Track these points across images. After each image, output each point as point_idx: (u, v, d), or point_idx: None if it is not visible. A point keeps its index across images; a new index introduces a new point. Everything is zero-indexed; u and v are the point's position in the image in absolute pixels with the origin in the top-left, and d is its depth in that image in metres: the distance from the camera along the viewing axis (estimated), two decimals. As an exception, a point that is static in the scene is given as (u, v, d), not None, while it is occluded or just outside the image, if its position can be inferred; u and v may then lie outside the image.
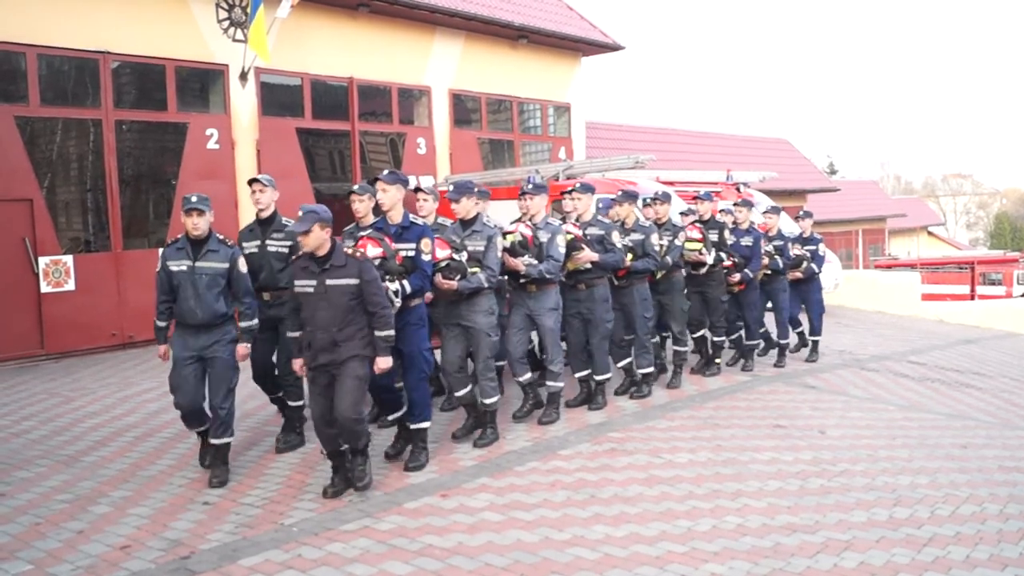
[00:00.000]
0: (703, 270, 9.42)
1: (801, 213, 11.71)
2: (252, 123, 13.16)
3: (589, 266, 7.69)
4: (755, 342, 10.28)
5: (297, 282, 5.57)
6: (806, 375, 10.07)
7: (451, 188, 6.74)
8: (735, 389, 9.02)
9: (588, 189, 8.17)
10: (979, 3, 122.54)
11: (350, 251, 5.50)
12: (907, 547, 4.96)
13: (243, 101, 13.04)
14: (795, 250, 10.81)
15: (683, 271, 9.18)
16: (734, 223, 10.16)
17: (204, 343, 5.94)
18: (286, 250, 6.68)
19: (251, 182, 6.83)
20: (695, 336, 9.79)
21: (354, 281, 5.44)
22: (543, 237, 7.21)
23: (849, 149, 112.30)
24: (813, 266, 10.93)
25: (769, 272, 10.39)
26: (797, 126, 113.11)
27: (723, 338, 9.83)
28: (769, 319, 10.80)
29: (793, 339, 11.22)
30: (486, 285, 6.63)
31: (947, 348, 14.09)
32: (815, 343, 11.18)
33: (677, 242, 8.93)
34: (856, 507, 5.59)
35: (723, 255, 9.61)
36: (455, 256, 6.49)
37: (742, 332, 10.31)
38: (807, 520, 5.32)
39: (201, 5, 12.55)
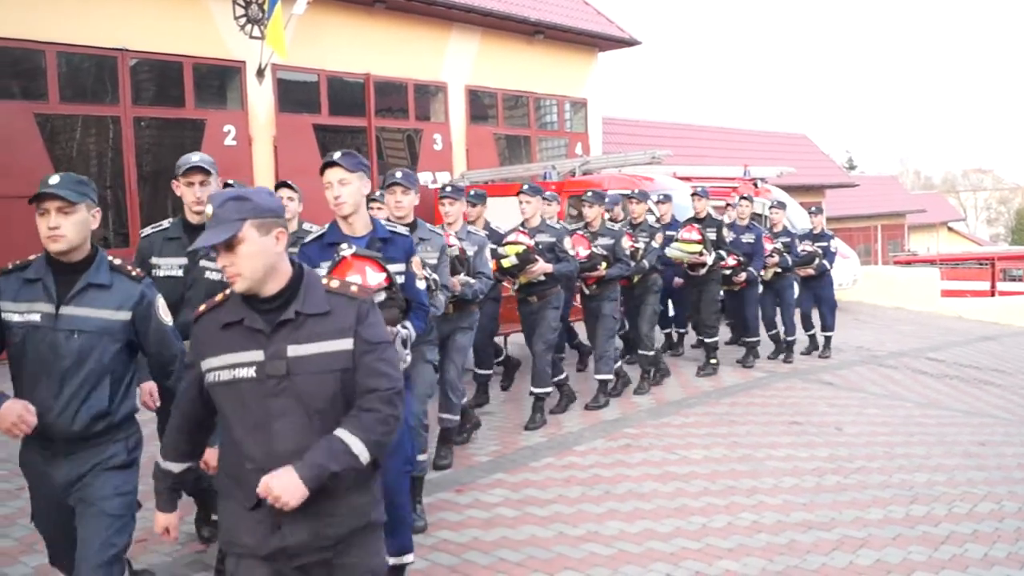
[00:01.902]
0: (703, 271, 9.10)
1: (813, 209, 11.57)
2: (269, 119, 13.20)
3: (543, 278, 7.03)
4: (755, 339, 10.11)
5: (215, 360, 2.69)
6: (823, 372, 10.03)
7: (400, 175, 5.03)
8: (751, 386, 8.99)
9: (536, 191, 7.32)
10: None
11: (336, 283, 2.78)
12: (924, 545, 4.94)
13: (260, 97, 13.08)
14: (806, 247, 10.67)
15: (658, 274, 8.68)
16: (735, 219, 9.97)
17: (72, 474, 3.24)
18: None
19: (192, 170, 4.36)
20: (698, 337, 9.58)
21: (346, 345, 2.68)
22: (469, 250, 5.99)
23: (868, 144, 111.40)
24: (825, 263, 10.76)
25: (780, 270, 10.23)
26: (816, 121, 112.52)
27: (716, 339, 9.52)
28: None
29: (804, 340, 11.11)
30: (442, 311, 5.13)
31: (966, 345, 13.99)
32: (828, 339, 11.05)
33: (654, 244, 8.44)
34: (872, 504, 5.57)
35: (723, 253, 9.31)
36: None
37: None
38: (823, 517, 5.30)
39: (218, 2, 12.59)
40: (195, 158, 4.41)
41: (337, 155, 3.99)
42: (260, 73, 12.96)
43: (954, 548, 4.92)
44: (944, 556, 4.80)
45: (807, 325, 11.07)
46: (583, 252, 7.33)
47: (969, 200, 71.83)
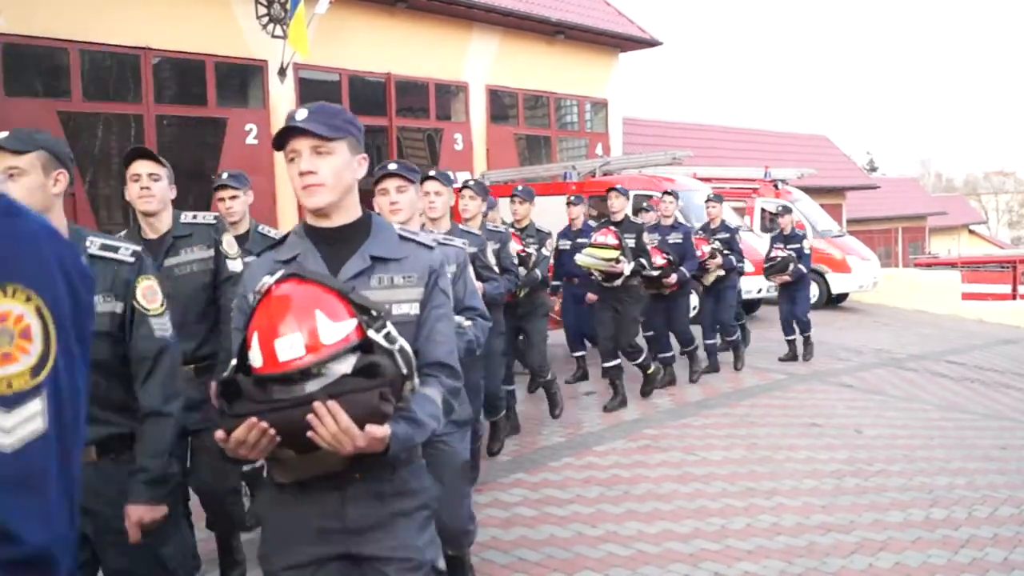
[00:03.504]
0: (618, 282, 7.60)
1: (778, 208, 10.86)
2: (290, 118, 13.27)
3: None
4: (692, 347, 9.05)
5: None
6: (842, 374, 9.99)
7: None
8: (770, 387, 8.97)
9: (450, 181, 4.97)
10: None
11: None
12: (944, 548, 4.92)
13: (282, 96, 13.15)
14: (778, 252, 10.08)
15: (549, 289, 7.54)
16: (659, 218, 8.95)
17: None
18: (208, 268, 3.89)
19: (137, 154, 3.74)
20: (608, 365, 7.87)
21: None
22: (448, 268, 3.12)
23: (889, 146, 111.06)
24: (801, 267, 9.98)
25: (723, 272, 9.37)
26: (837, 122, 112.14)
27: (639, 361, 7.98)
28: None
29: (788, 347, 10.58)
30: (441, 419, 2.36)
31: (987, 348, 13.88)
32: (807, 338, 10.47)
33: (545, 251, 7.35)
34: (892, 507, 5.55)
35: (644, 262, 7.83)
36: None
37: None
38: (842, 520, 5.29)
39: (241, 2, 12.67)
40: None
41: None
42: (282, 72, 13.03)
43: (974, 552, 4.90)
44: (964, 560, 4.78)
45: (788, 330, 10.46)
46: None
47: (991, 203, 71.25)
